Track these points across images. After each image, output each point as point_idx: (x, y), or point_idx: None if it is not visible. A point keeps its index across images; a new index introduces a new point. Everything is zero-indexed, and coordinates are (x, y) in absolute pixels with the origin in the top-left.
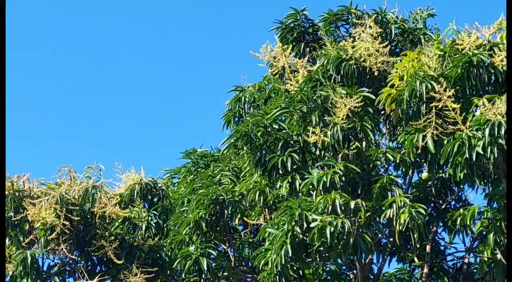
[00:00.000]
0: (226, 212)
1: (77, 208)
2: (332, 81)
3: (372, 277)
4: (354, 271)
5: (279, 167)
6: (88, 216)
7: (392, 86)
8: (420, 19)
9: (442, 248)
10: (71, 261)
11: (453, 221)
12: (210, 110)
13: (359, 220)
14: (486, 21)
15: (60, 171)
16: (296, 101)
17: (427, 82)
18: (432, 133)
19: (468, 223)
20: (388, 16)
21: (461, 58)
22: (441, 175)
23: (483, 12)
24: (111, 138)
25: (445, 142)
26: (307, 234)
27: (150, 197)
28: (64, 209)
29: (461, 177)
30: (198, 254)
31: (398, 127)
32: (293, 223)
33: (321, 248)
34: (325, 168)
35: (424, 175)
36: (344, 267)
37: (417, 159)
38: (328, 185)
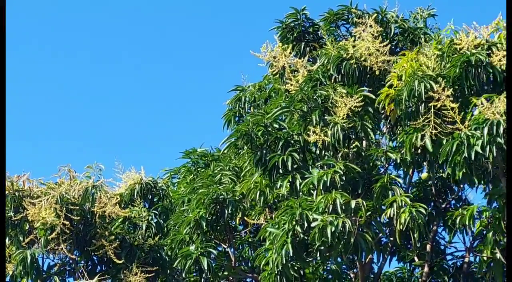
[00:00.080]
0: (226, 211)
1: (77, 207)
2: (332, 80)
3: (372, 276)
4: (355, 270)
5: (280, 166)
6: (88, 216)
7: (390, 86)
8: (420, 18)
9: (442, 247)
10: (71, 261)
11: (452, 220)
12: (210, 110)
13: (360, 220)
14: (486, 20)
15: (60, 170)
16: (296, 101)
17: (426, 82)
18: (431, 133)
19: (467, 222)
20: (388, 15)
21: (459, 58)
22: (441, 175)
23: (483, 12)
24: (111, 138)
25: (444, 141)
26: (308, 234)
27: (150, 197)
28: (64, 208)
29: (460, 176)
30: (199, 253)
31: (398, 126)
32: (294, 223)
33: (322, 248)
34: (325, 167)
35: (424, 175)
36: (344, 266)
37: (417, 159)
38: (328, 184)
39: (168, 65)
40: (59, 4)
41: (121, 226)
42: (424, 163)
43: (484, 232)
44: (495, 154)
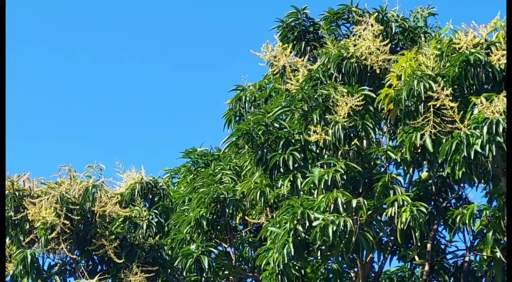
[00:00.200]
0: (227, 210)
1: (77, 207)
2: (332, 79)
3: (373, 275)
4: (355, 269)
5: (281, 166)
6: (89, 215)
7: (390, 86)
8: (420, 17)
9: (442, 246)
10: (71, 260)
11: (453, 219)
12: (210, 110)
13: (361, 219)
14: (486, 19)
15: (60, 170)
16: (297, 100)
17: (425, 81)
18: (430, 132)
19: (467, 221)
20: (388, 14)
21: (459, 57)
22: (441, 173)
23: (483, 10)
24: (111, 138)
25: (444, 140)
26: (309, 233)
27: (150, 196)
28: (64, 208)
29: (460, 176)
30: (199, 252)
31: (399, 125)
32: (295, 222)
33: (323, 247)
34: (325, 166)
35: (424, 174)
36: (344, 266)
37: (417, 158)
38: (329, 184)
39: (168, 65)
40: (59, 4)
41: (122, 225)
42: (424, 162)
43: (484, 231)
44: (494, 153)
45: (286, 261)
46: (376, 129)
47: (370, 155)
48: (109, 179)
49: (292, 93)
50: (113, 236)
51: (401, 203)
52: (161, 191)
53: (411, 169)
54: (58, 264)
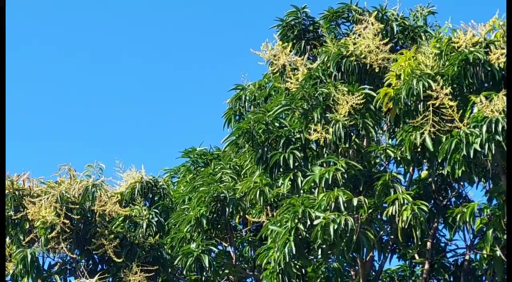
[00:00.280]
0: (227, 209)
1: (77, 206)
2: (332, 78)
3: (374, 273)
4: (356, 267)
5: (281, 164)
6: (88, 215)
7: (389, 85)
8: (420, 16)
9: (442, 245)
10: (71, 260)
11: (453, 218)
12: (210, 110)
13: (361, 217)
14: (486, 17)
15: (60, 169)
16: (297, 99)
17: (424, 80)
18: (430, 131)
19: (468, 220)
20: (388, 13)
21: (458, 56)
22: (441, 172)
23: (483, 9)
24: (111, 138)
25: (443, 139)
26: (310, 232)
27: (151, 195)
28: (64, 207)
29: (460, 174)
30: (200, 251)
31: (400, 124)
32: (296, 221)
33: (324, 246)
34: (325, 164)
35: (424, 173)
36: (344, 264)
37: (417, 157)
38: (330, 182)
39: (168, 65)
40: (59, 4)
41: (122, 224)
42: (424, 161)
43: (484, 229)
44: (494, 152)
45: (287, 260)
46: (376, 128)
47: (369, 154)
48: (109, 178)
49: (292, 92)
50: (113, 235)
51: (402, 202)
52: (161, 190)
53: (411, 168)
54: (58, 264)
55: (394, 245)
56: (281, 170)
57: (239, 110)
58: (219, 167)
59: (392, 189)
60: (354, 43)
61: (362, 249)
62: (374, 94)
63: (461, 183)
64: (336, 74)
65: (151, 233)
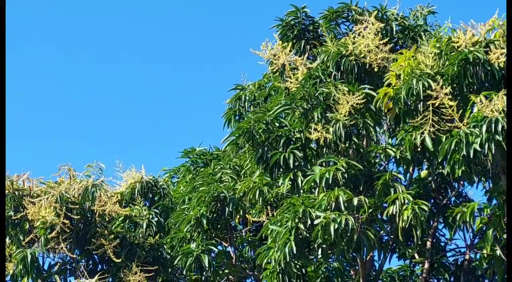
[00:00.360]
0: (227, 209)
1: (77, 206)
2: (332, 78)
3: (374, 273)
4: (356, 267)
5: (281, 164)
6: (88, 215)
7: (389, 85)
8: (420, 16)
9: (442, 244)
10: (71, 260)
11: (453, 217)
12: (210, 110)
13: (362, 217)
14: (486, 16)
15: (59, 169)
16: (298, 98)
17: (424, 80)
18: (429, 131)
19: (468, 219)
20: (388, 13)
21: (457, 56)
22: (441, 171)
23: (483, 8)
24: (111, 138)
25: (443, 139)
26: (310, 231)
27: (151, 195)
28: (64, 207)
29: (460, 174)
30: (199, 251)
31: (400, 124)
32: (297, 220)
33: (324, 245)
34: (324, 164)
35: (423, 173)
36: (345, 264)
37: (417, 156)
38: (330, 182)
39: (168, 65)
40: (58, 4)
41: (122, 224)
42: (424, 160)
43: (484, 228)
44: (494, 152)
45: (287, 259)
46: (377, 128)
47: (369, 153)
48: (109, 178)
49: (292, 91)
50: (113, 235)
51: (402, 201)
52: (161, 190)
53: (411, 168)
54: (58, 264)
55: (394, 245)
56: (281, 169)
57: (239, 110)
58: (219, 167)
59: (392, 189)
60: (353, 43)
61: (362, 248)
62: (374, 94)
63: (461, 182)
64: (336, 74)
65: (151, 233)
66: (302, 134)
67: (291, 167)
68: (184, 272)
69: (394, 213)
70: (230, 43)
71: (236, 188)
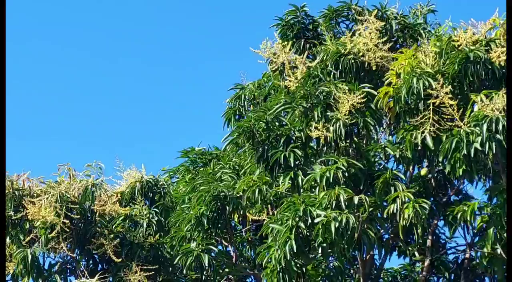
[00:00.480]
0: (227, 208)
1: (77, 206)
2: (331, 76)
3: (375, 272)
4: (357, 265)
5: (282, 163)
6: (88, 214)
7: (389, 84)
8: (420, 14)
9: (442, 241)
10: (72, 259)
11: (453, 216)
12: (210, 110)
13: (362, 216)
14: (486, 14)
15: (59, 169)
16: (298, 97)
17: (424, 79)
18: (430, 130)
19: (468, 218)
20: (388, 12)
21: (458, 55)
22: (441, 169)
23: (482, 8)
24: (111, 138)
25: (444, 138)
26: (311, 230)
27: (151, 195)
28: (64, 207)
29: (460, 173)
30: (200, 250)
31: (400, 122)
32: (297, 219)
33: (324, 244)
34: (324, 163)
35: (423, 170)
36: (345, 262)
37: (418, 155)
38: (331, 181)
39: (168, 65)
40: (58, 4)
41: (122, 224)
42: (424, 159)
43: (484, 226)
44: (494, 151)
45: (288, 258)
46: (377, 127)
47: (369, 152)
48: (109, 177)
49: (292, 90)
50: (113, 235)
51: (403, 200)
52: (161, 189)
53: (411, 166)
54: (59, 263)
55: (394, 243)
56: (281, 168)
57: (238, 110)
58: (218, 167)
59: (392, 187)
60: (352, 41)
61: (362, 247)
62: (375, 93)
63: (462, 180)
64: (335, 73)
65: (151, 232)
66: (302, 133)
67: (292, 165)
68: (184, 271)
69: (394, 211)
70: (229, 43)
71: (236, 188)
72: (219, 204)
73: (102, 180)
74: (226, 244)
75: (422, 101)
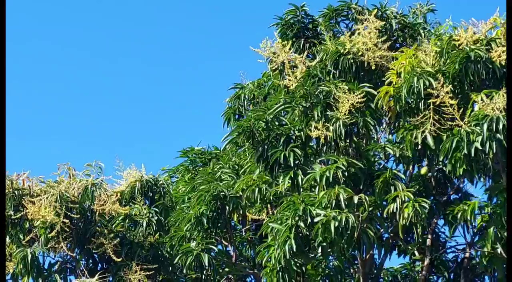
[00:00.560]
0: (227, 207)
1: (77, 205)
2: (331, 76)
3: (375, 271)
4: (356, 264)
5: (281, 162)
6: (88, 214)
7: (390, 83)
8: (420, 14)
9: (442, 240)
10: (71, 259)
11: (453, 215)
12: (210, 109)
13: (362, 215)
14: (486, 14)
15: (59, 169)
16: (298, 97)
17: (425, 78)
18: (430, 129)
19: (469, 217)
20: (388, 11)
21: (459, 54)
22: (440, 167)
23: (482, 7)
24: (110, 138)
25: (444, 137)
26: (311, 229)
27: (151, 194)
28: (64, 207)
29: (461, 173)
30: (199, 250)
31: (401, 121)
32: (297, 218)
33: (324, 243)
34: (323, 163)
35: (423, 169)
36: (344, 262)
37: (418, 155)
38: (331, 180)
39: (168, 64)
40: (58, 4)
41: (122, 223)
42: (424, 159)
43: (484, 225)
44: (495, 150)
45: (287, 257)
46: (377, 127)
47: (368, 152)
48: (108, 177)
49: (291, 89)
50: (113, 234)
51: (403, 199)
52: (161, 189)
53: (411, 166)
54: (59, 263)
55: (394, 242)
56: (281, 168)
57: (238, 109)
58: (218, 166)
59: (392, 187)
60: (351, 41)
61: (362, 246)
62: (374, 92)
63: (461, 179)
64: (334, 72)
65: (151, 232)
66: (302, 132)
67: (291, 165)
68: (184, 271)
69: (394, 210)
70: (229, 43)
71: (235, 187)
72: (218, 203)
73: (102, 180)
74: (226, 243)
75: (422, 101)
